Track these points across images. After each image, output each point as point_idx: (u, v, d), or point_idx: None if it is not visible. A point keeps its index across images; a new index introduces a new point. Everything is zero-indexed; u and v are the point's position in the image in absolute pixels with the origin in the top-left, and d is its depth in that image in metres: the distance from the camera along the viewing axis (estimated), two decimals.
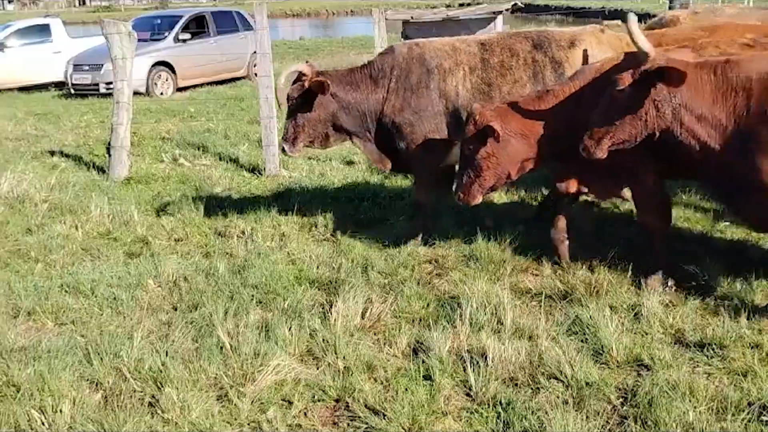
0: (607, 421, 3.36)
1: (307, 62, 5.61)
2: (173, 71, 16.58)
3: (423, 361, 3.82)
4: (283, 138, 5.56)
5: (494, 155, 4.62)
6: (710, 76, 4.09)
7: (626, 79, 4.06)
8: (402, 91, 5.34)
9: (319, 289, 4.83)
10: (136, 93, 10.35)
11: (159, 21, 18.36)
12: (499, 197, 6.54)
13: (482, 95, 5.27)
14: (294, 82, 5.41)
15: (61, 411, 3.47)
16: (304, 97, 5.35)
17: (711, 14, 6.42)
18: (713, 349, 3.82)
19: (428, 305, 4.50)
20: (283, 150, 5.55)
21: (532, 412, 3.37)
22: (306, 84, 5.28)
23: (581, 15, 34.77)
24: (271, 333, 4.13)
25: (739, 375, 3.60)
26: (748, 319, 4.09)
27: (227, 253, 5.56)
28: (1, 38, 18.24)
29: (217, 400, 3.59)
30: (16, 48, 18.28)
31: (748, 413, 3.27)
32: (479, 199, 4.79)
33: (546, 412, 3.35)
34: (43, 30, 18.95)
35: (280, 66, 10.65)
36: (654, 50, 4.02)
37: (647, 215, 4.76)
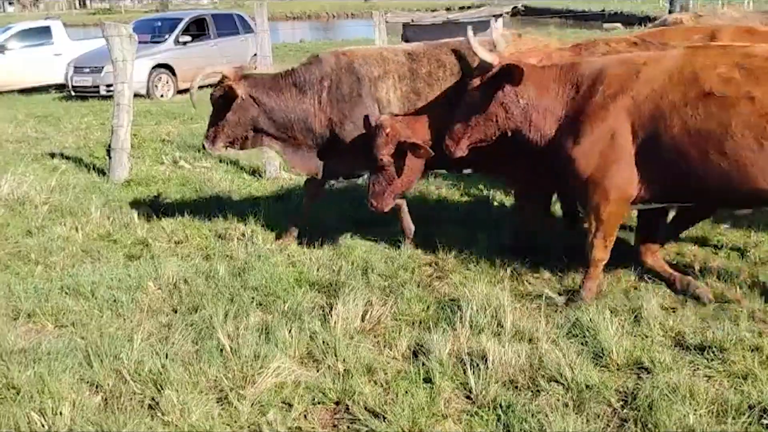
0: (607, 424, 3.35)
1: (236, 66, 5.65)
2: (174, 73, 16.61)
3: (423, 364, 3.82)
4: (204, 135, 5.66)
5: (407, 165, 4.98)
6: (555, 77, 4.56)
7: (475, 83, 4.60)
8: (336, 102, 5.36)
9: (319, 292, 4.82)
10: (136, 95, 10.35)
11: (159, 23, 18.38)
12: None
13: (411, 105, 5.33)
14: (217, 84, 5.46)
15: (61, 413, 3.47)
16: (224, 99, 5.40)
17: (714, 17, 6.44)
18: (713, 352, 3.82)
19: (428, 308, 4.50)
20: (204, 146, 5.66)
21: (533, 414, 3.37)
22: (225, 87, 5.35)
23: (581, 18, 34.80)
24: (271, 335, 4.12)
25: (739, 378, 3.59)
26: (748, 322, 4.10)
27: (227, 256, 5.56)
28: (1, 40, 18.27)
29: (217, 402, 3.59)
30: (17, 50, 18.30)
31: (748, 416, 3.27)
32: (391, 206, 5.11)
33: (546, 415, 3.35)
34: (44, 32, 18.98)
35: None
36: (497, 58, 4.51)
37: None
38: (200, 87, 5.97)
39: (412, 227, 5.65)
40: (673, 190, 4.38)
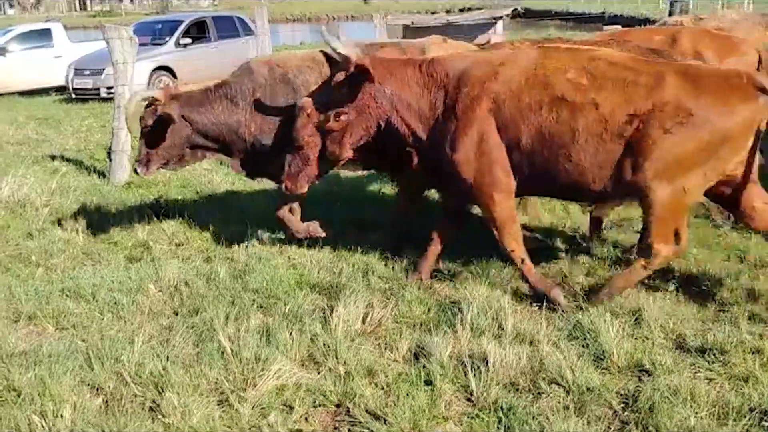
0: (608, 427, 3.35)
1: (165, 86, 5.63)
2: (174, 76, 16.61)
3: (424, 366, 3.82)
4: (136, 160, 5.61)
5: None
6: (416, 72, 4.68)
7: (338, 80, 4.68)
8: (271, 113, 5.39)
9: (319, 294, 4.82)
10: None
11: (160, 26, 18.39)
12: None
13: None
14: (147, 106, 5.44)
15: (61, 416, 3.46)
16: (157, 122, 5.37)
17: (715, 20, 6.45)
18: (714, 355, 3.82)
19: (429, 310, 4.50)
20: (136, 171, 5.58)
21: (533, 417, 3.37)
22: (158, 111, 5.33)
23: (581, 20, 34.85)
24: (272, 338, 4.12)
25: (740, 380, 3.60)
26: (748, 324, 4.10)
27: (228, 258, 5.56)
28: (2, 42, 18.28)
29: (218, 404, 3.59)
30: (18, 52, 18.31)
31: (749, 419, 3.27)
32: (306, 188, 4.99)
33: (547, 418, 3.35)
34: (44, 34, 18.99)
35: None
36: (355, 54, 4.57)
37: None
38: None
39: (302, 227, 5.55)
40: (531, 187, 4.68)
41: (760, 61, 5.84)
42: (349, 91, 4.66)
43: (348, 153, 4.81)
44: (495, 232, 4.66)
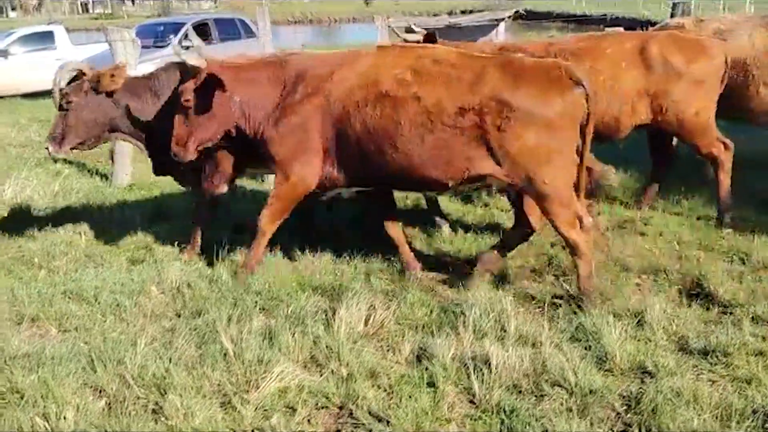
0: (611, 429, 3.36)
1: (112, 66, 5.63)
2: None
3: (426, 368, 3.82)
4: (50, 136, 5.44)
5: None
6: (269, 73, 4.95)
7: (188, 88, 4.83)
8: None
9: (322, 296, 4.82)
10: None
11: (162, 28, 18.38)
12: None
13: None
14: (71, 81, 5.38)
15: (65, 418, 3.47)
16: (81, 97, 5.31)
17: (716, 21, 6.45)
18: (717, 357, 3.82)
19: (431, 312, 4.50)
20: (48, 149, 5.45)
21: (536, 419, 3.37)
22: (85, 87, 5.30)
23: (583, 22, 34.85)
24: (274, 339, 4.12)
25: (743, 382, 3.60)
26: (751, 326, 4.09)
27: (230, 260, 5.55)
28: (4, 45, 18.30)
29: (221, 406, 3.59)
30: (20, 55, 18.33)
31: (752, 421, 3.27)
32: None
33: (550, 419, 3.35)
34: (47, 37, 19.00)
35: None
36: (203, 62, 4.79)
37: None
38: None
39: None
40: (363, 177, 4.90)
41: (727, 64, 5.89)
42: (198, 97, 4.84)
43: (193, 155, 4.99)
44: (265, 206, 5.01)
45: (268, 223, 5.02)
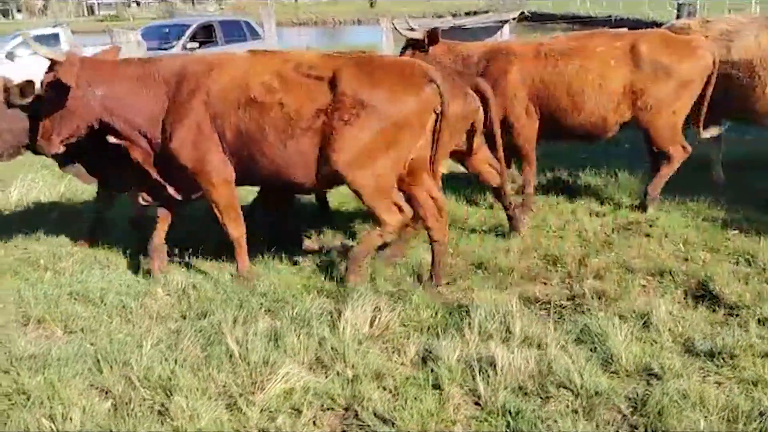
0: (617, 431, 3.35)
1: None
2: None
3: (432, 370, 3.82)
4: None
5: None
6: (133, 72, 4.97)
7: (46, 81, 4.86)
8: None
9: (327, 297, 4.82)
10: None
11: (167, 30, 18.44)
12: None
13: None
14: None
15: (71, 419, 3.48)
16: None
17: (723, 22, 6.45)
18: (723, 359, 3.81)
19: (437, 313, 4.50)
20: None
21: (542, 421, 3.37)
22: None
23: (587, 23, 34.78)
24: (279, 341, 4.13)
25: (749, 384, 3.58)
26: (758, 327, 4.08)
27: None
28: (11, 47, 18.37)
29: (226, 408, 3.60)
30: (26, 57, 18.38)
31: (759, 423, 3.26)
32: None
33: (555, 421, 3.35)
34: (52, 39, 19.05)
35: None
36: (59, 55, 4.85)
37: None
38: None
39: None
40: (246, 177, 5.01)
41: (715, 65, 5.93)
42: (56, 92, 4.83)
43: (57, 148, 5.02)
44: (218, 216, 5.07)
45: (234, 229, 5.09)
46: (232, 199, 5.07)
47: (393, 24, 11.45)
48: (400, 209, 4.79)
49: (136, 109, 4.93)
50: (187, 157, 4.87)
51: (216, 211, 5.06)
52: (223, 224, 5.08)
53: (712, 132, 6.49)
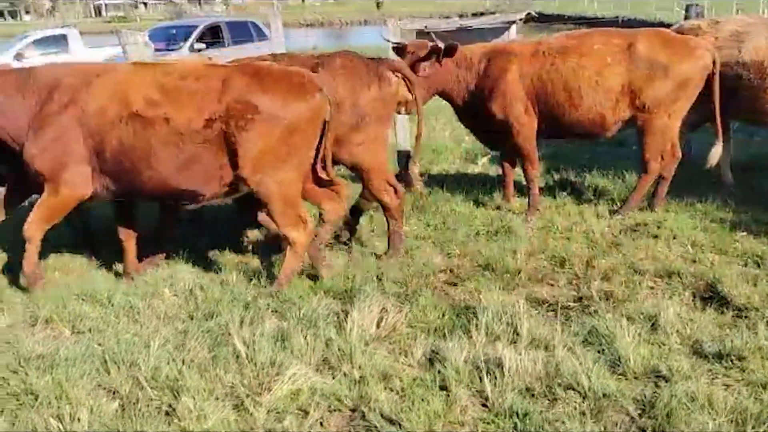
0: None
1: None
2: None
3: (439, 371, 3.81)
4: None
5: None
6: (15, 80, 4.97)
7: None
8: None
9: (334, 299, 4.82)
10: None
11: (175, 31, 18.52)
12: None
13: None
14: None
15: (78, 419, 3.49)
16: None
17: (733, 23, 6.42)
18: (732, 361, 3.79)
19: (444, 315, 4.49)
20: None
21: (549, 423, 3.35)
22: None
23: (594, 24, 34.70)
24: (286, 342, 4.13)
25: (758, 387, 3.56)
26: (766, 330, 4.06)
27: (242, 262, 5.57)
28: (19, 48, 18.48)
29: (233, 409, 3.60)
30: (34, 58, 18.47)
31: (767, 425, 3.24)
32: None
33: (563, 423, 3.33)
34: (60, 40, 19.17)
35: None
36: None
37: None
38: None
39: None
40: (127, 190, 5.02)
41: (715, 65, 5.90)
42: None
43: None
44: (32, 216, 5.02)
45: (34, 230, 5.04)
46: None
47: (399, 25, 11.45)
48: (304, 222, 4.88)
49: (13, 119, 4.95)
50: (42, 166, 4.87)
51: (38, 205, 5.04)
52: (29, 220, 5.03)
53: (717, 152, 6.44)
